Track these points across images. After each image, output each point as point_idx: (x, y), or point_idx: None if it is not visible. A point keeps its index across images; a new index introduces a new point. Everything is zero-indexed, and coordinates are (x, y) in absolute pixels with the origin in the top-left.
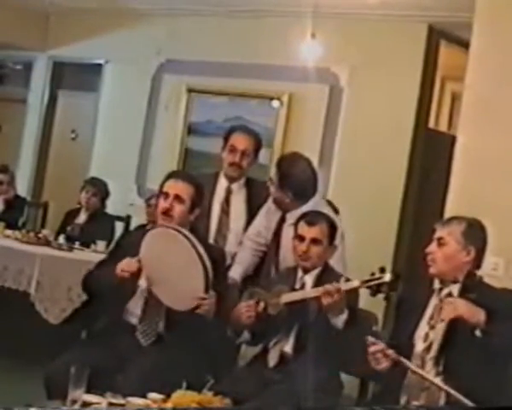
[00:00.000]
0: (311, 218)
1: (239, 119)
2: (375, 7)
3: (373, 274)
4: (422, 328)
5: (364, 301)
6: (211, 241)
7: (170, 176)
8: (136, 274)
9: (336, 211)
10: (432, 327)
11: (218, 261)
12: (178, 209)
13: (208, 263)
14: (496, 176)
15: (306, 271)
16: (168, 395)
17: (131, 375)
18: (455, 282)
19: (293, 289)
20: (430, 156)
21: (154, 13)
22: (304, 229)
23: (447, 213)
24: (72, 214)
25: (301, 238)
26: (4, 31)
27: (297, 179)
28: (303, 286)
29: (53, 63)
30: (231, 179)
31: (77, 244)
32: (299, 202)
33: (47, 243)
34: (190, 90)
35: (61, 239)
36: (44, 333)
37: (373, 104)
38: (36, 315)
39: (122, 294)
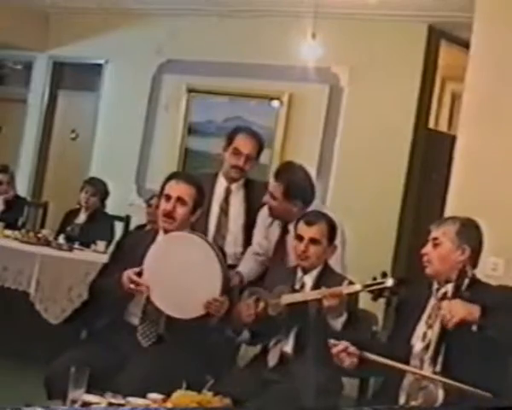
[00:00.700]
0: (309, 218)
1: (239, 119)
2: (375, 7)
3: (375, 278)
4: (421, 328)
5: (364, 301)
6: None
7: (171, 177)
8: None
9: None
10: (430, 327)
11: None
12: (181, 211)
13: (225, 265)
14: (496, 176)
15: (306, 271)
16: (168, 395)
17: (131, 375)
18: (450, 281)
19: (293, 289)
20: (430, 156)
21: (154, 13)
22: (303, 229)
23: (447, 214)
24: (71, 214)
25: (300, 238)
26: (4, 31)
27: (303, 186)
28: (303, 286)
29: (53, 63)
30: (231, 180)
31: (77, 244)
32: (305, 209)
33: (47, 243)
34: (190, 90)
35: (61, 239)
36: (44, 333)
37: (373, 104)
38: (36, 315)
39: (123, 296)
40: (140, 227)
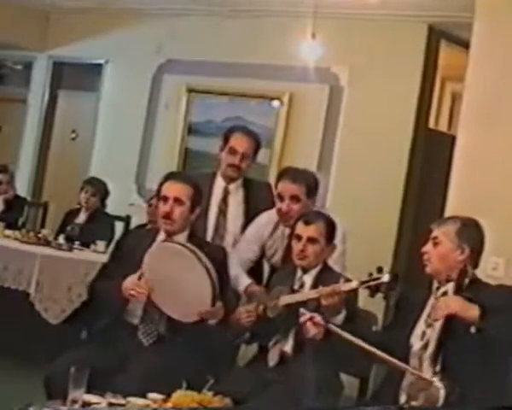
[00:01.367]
0: (308, 217)
1: (239, 119)
2: (375, 7)
3: (371, 274)
4: (420, 327)
5: (364, 301)
6: None
7: (167, 178)
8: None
9: None
10: (429, 325)
11: (219, 261)
12: (179, 211)
13: (215, 277)
14: (496, 176)
15: (305, 270)
16: (168, 395)
17: (132, 375)
18: (450, 281)
19: (292, 289)
20: (430, 156)
21: (154, 13)
22: (301, 228)
23: (447, 213)
24: (72, 214)
25: (298, 237)
26: (4, 31)
27: (316, 184)
28: (302, 286)
29: (53, 63)
30: (229, 180)
31: (77, 244)
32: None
33: (47, 243)
34: (190, 90)
35: (61, 239)
36: (44, 333)
37: (373, 104)
38: (36, 315)
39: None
40: (140, 227)
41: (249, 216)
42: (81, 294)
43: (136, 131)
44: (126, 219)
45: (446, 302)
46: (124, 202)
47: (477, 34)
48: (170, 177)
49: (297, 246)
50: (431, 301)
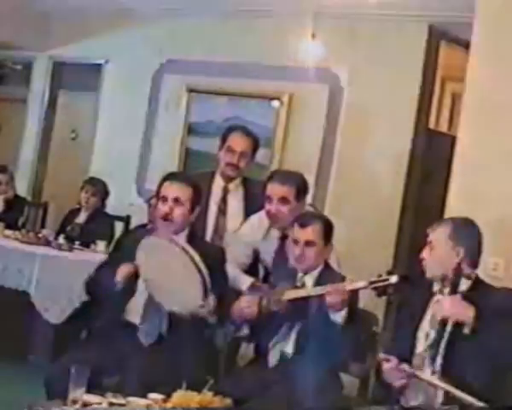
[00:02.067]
0: (303, 219)
1: (239, 119)
2: (375, 7)
3: (380, 275)
4: (423, 328)
5: (364, 301)
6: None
7: (166, 179)
8: (135, 275)
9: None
10: (432, 327)
11: (217, 260)
12: (178, 212)
13: (205, 271)
14: (496, 176)
15: (306, 272)
16: (168, 395)
17: (132, 375)
18: (450, 282)
19: (296, 286)
20: (430, 157)
21: (154, 13)
22: (297, 232)
23: (447, 214)
24: (72, 214)
25: (295, 241)
26: (4, 31)
27: (306, 185)
28: (303, 285)
29: (53, 63)
30: (228, 179)
31: (77, 244)
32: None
33: (47, 243)
34: (190, 90)
35: (61, 239)
36: (44, 333)
37: (373, 104)
38: (36, 315)
39: (123, 295)
40: (141, 227)
41: (248, 215)
42: (81, 294)
43: (136, 131)
44: (126, 219)
45: (441, 304)
46: (124, 202)
47: (477, 34)
48: (169, 177)
49: (295, 250)
50: (433, 302)
